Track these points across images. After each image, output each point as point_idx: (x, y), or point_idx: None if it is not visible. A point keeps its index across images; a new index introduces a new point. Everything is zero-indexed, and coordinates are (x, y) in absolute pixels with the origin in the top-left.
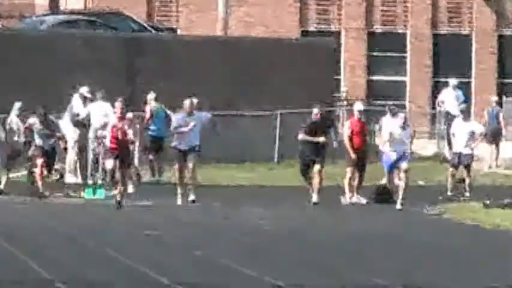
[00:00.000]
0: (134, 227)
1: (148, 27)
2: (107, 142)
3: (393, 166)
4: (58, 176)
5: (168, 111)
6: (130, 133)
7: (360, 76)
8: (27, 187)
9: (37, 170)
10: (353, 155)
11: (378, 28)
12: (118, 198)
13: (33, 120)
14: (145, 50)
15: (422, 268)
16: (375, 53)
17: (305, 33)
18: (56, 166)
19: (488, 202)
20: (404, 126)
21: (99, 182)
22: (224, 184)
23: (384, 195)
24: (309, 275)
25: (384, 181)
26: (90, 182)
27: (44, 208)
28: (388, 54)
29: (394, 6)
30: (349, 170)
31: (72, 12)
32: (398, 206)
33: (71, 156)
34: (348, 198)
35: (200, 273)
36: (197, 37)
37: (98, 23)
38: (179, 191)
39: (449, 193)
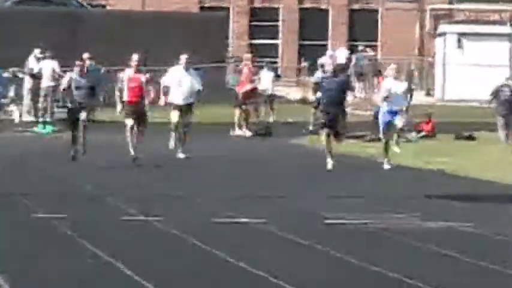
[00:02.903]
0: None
1: (85, 5)
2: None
3: (389, 122)
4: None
5: (100, 67)
6: (145, 78)
7: (244, 40)
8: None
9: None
10: (240, 95)
11: (258, 4)
12: (132, 153)
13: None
14: (83, 21)
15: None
16: (255, 23)
17: (203, 8)
18: (12, 108)
19: None
20: (397, 78)
21: (48, 119)
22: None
23: (264, 130)
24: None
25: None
26: (41, 119)
27: (6, 140)
28: (265, 23)
29: None
30: (237, 110)
31: None
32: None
33: (27, 100)
34: (236, 131)
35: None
36: (122, 11)
37: (49, 1)
38: (173, 134)
39: (311, 128)
